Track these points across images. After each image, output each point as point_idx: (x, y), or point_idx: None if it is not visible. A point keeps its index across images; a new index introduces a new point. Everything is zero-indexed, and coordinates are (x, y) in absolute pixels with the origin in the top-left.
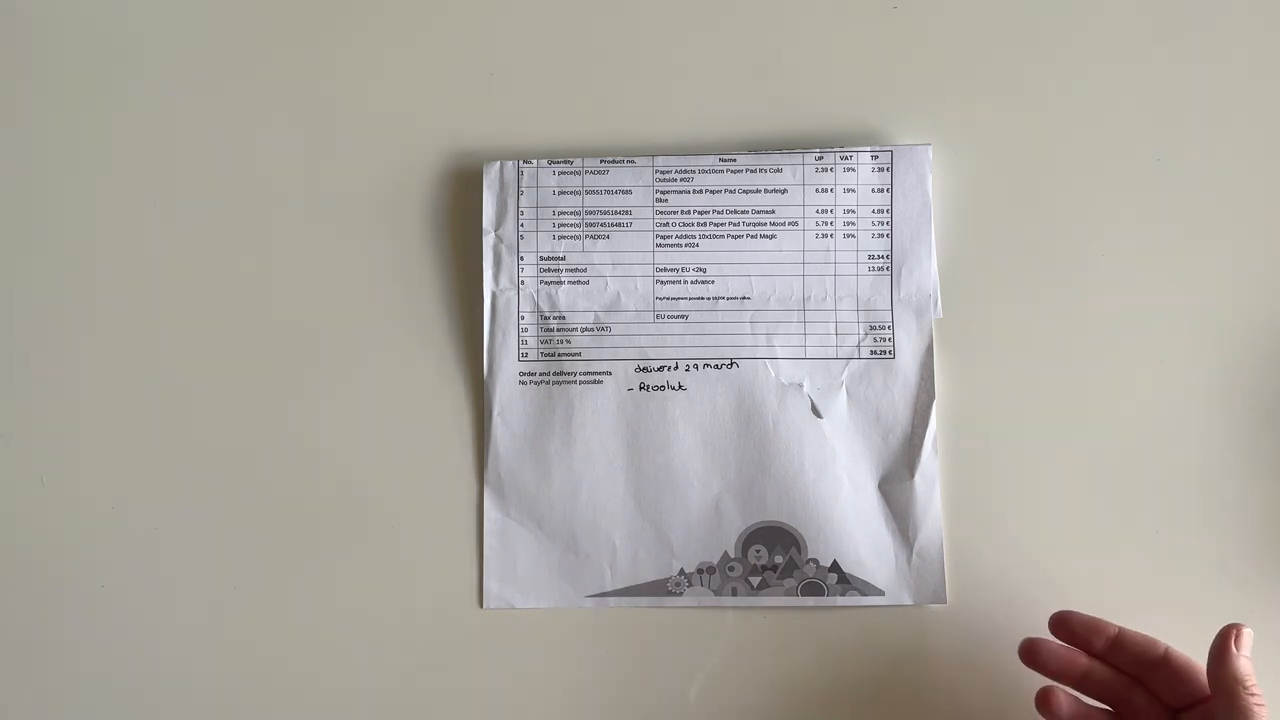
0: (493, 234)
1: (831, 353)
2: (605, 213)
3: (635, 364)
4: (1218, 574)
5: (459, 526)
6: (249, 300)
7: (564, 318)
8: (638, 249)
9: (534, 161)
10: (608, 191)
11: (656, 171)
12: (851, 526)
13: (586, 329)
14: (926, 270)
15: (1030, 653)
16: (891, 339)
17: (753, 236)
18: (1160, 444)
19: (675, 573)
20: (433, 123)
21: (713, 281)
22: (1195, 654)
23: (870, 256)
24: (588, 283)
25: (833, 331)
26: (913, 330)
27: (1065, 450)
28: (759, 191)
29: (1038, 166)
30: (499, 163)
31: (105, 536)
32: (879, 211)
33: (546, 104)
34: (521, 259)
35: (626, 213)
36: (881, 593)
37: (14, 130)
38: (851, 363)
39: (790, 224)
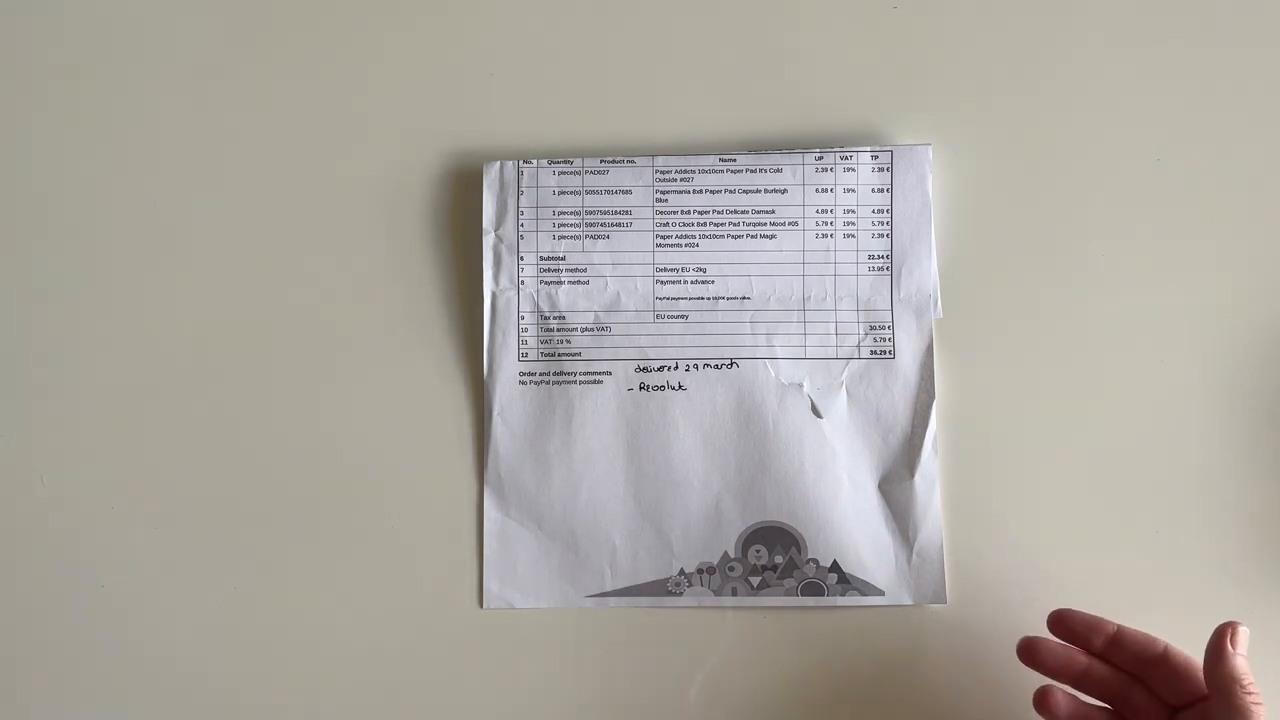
0: (493, 234)
1: (831, 353)
2: (605, 213)
3: (635, 364)
4: (1218, 574)
5: (459, 526)
6: (249, 300)
7: (564, 318)
8: (638, 249)
9: (534, 161)
10: (608, 191)
11: (656, 171)
12: (851, 526)
13: (586, 329)
14: (926, 270)
15: (1029, 651)
16: (891, 339)
17: (753, 236)
18: (1160, 444)
19: (675, 573)
20: (433, 123)
21: (713, 281)
22: (1195, 654)
23: (870, 256)
24: (588, 283)
25: (833, 331)
26: (913, 330)
27: (1065, 450)
28: (759, 191)
29: (1038, 166)
30: (499, 163)
31: (105, 536)
32: (879, 211)
33: (546, 104)
34: (521, 259)
35: (626, 213)
36: (881, 593)
37: (14, 130)
38: (851, 363)
39: (790, 224)
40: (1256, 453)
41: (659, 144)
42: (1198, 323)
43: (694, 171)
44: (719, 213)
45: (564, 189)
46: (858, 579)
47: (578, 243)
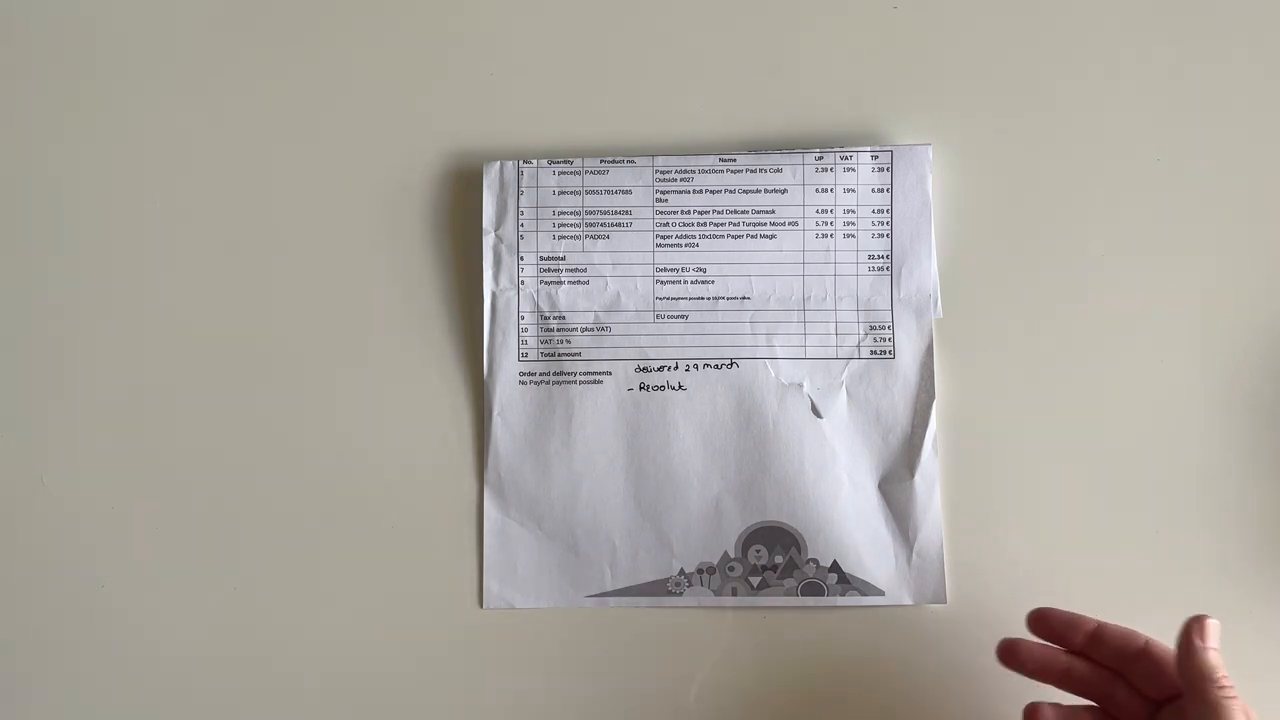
0: (493, 234)
1: (831, 353)
2: (605, 213)
3: (635, 364)
4: (1218, 574)
5: (459, 526)
6: (249, 301)
7: (564, 318)
8: (638, 249)
9: (534, 161)
10: (608, 191)
11: (656, 171)
12: (851, 526)
13: (586, 329)
14: (926, 270)
15: (1009, 653)
16: (891, 339)
17: (753, 236)
18: (1160, 444)
19: (675, 573)
20: (433, 123)
21: (713, 281)
22: None
23: (870, 256)
24: (588, 283)
25: (833, 331)
26: (913, 330)
27: (1065, 450)
28: (759, 191)
29: (1038, 166)
30: (499, 163)
31: (105, 536)
32: (879, 211)
33: (546, 104)
34: (521, 259)
35: (626, 213)
36: (881, 593)
37: (13, 132)
38: (851, 363)
39: (790, 224)
40: (1256, 453)
41: (659, 144)
42: (1198, 323)
43: (694, 171)
44: (719, 213)
45: (564, 189)
46: (858, 579)
47: (578, 243)
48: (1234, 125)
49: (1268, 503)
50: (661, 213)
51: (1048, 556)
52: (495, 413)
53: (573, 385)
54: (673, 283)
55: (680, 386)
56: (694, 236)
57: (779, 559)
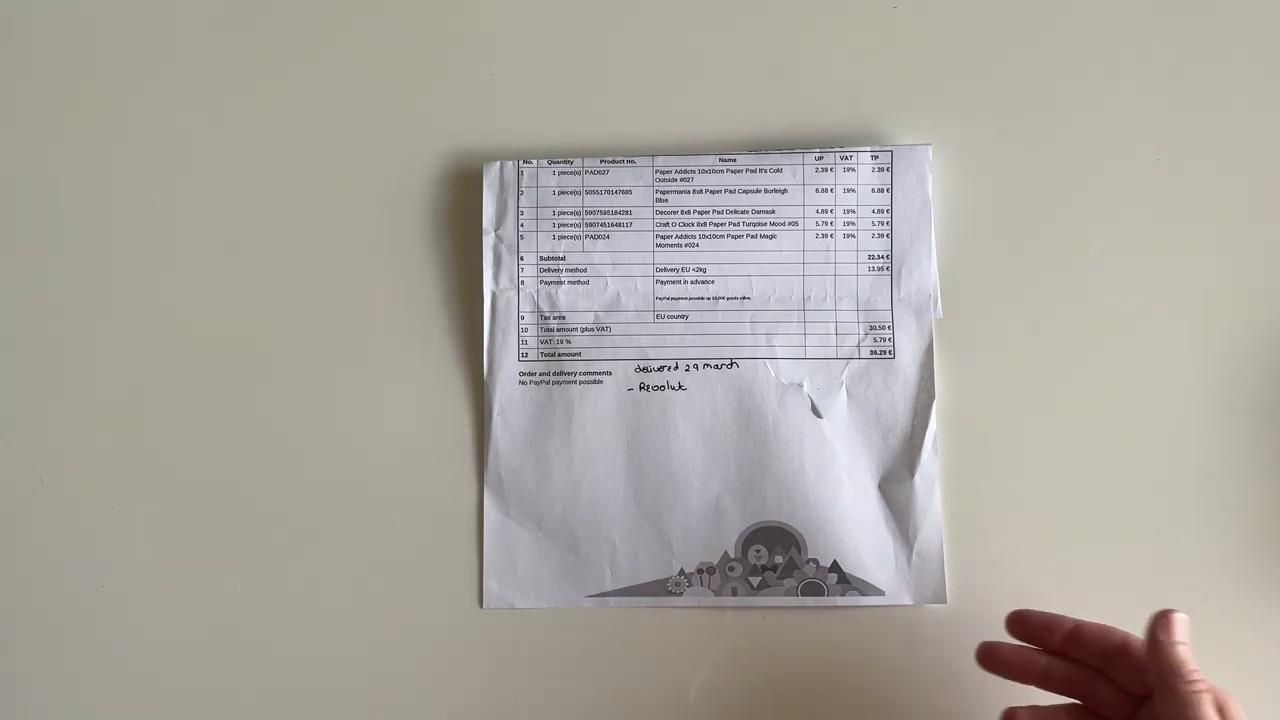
0: (493, 234)
1: (831, 353)
2: (605, 213)
3: (635, 364)
4: (1218, 574)
5: (459, 526)
6: (249, 301)
7: (564, 318)
8: (638, 249)
9: (534, 161)
10: (608, 191)
11: (656, 171)
12: (851, 526)
13: (586, 329)
14: (926, 270)
15: (988, 656)
16: (891, 339)
17: (753, 236)
18: (1160, 444)
19: (675, 573)
20: (433, 123)
21: (713, 281)
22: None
23: (870, 256)
24: (588, 283)
25: (833, 331)
26: (913, 330)
27: (1065, 450)
28: (759, 191)
29: (1038, 166)
30: (499, 163)
31: (105, 536)
32: (879, 211)
33: (546, 104)
34: (521, 259)
35: (626, 213)
36: (881, 593)
37: (14, 132)
38: (851, 363)
39: (790, 224)
40: (1256, 453)
41: (659, 144)
42: (1198, 323)
43: (694, 171)
44: (719, 213)
45: (564, 189)
46: (858, 579)
47: (578, 243)
48: (1234, 125)
49: (1268, 503)
50: (661, 213)
51: (1048, 556)
52: (495, 413)
53: (573, 385)
54: (673, 283)
55: (680, 386)
56: (694, 236)
57: (779, 559)
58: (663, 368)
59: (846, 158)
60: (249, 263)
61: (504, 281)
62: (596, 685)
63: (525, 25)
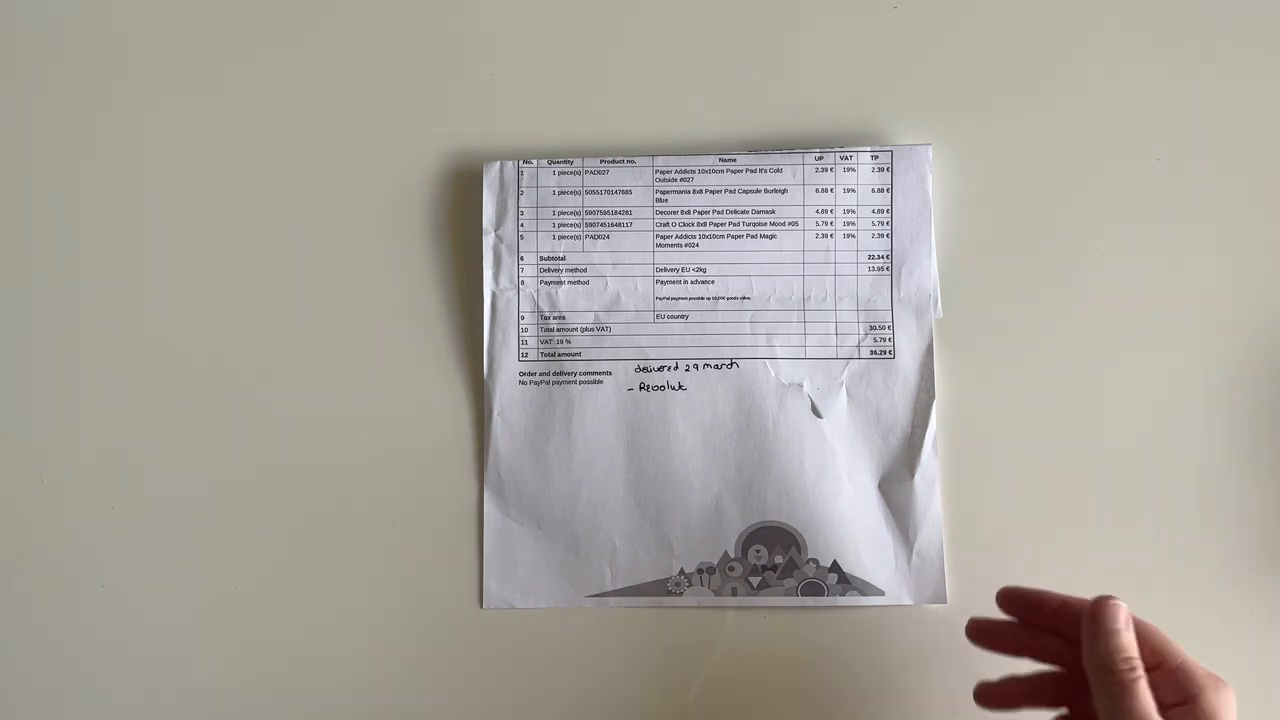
0: (493, 234)
1: (831, 353)
2: (605, 213)
3: (635, 364)
4: (1218, 574)
5: (459, 526)
6: (249, 300)
7: (564, 318)
8: (638, 249)
9: (534, 161)
10: (608, 191)
11: (656, 171)
12: (851, 526)
13: (586, 329)
14: (926, 270)
15: (978, 631)
16: (891, 339)
17: (753, 236)
18: (1160, 444)
19: (675, 573)
20: (433, 123)
21: (713, 281)
22: (1195, 654)
23: (870, 256)
24: (588, 283)
25: (833, 331)
26: (913, 330)
27: (1065, 450)
28: (759, 191)
29: (1038, 166)
30: (499, 163)
31: (105, 536)
32: (879, 211)
33: (546, 104)
34: (521, 259)
35: (626, 213)
36: (881, 593)
37: (14, 132)
38: (851, 363)
39: (790, 224)
40: (1256, 453)
41: (659, 144)
42: (1198, 323)
43: (694, 171)
44: (719, 213)
45: (564, 189)
46: (858, 579)
47: (578, 243)
48: (1234, 125)
49: (1268, 503)
50: (661, 213)
51: (1048, 557)
52: (495, 413)
53: (573, 385)
54: (673, 283)
55: (680, 386)
56: (694, 236)
57: (779, 559)
58: (663, 368)
59: (846, 158)
60: (249, 263)
61: (504, 281)
62: (596, 685)
63: (525, 25)
